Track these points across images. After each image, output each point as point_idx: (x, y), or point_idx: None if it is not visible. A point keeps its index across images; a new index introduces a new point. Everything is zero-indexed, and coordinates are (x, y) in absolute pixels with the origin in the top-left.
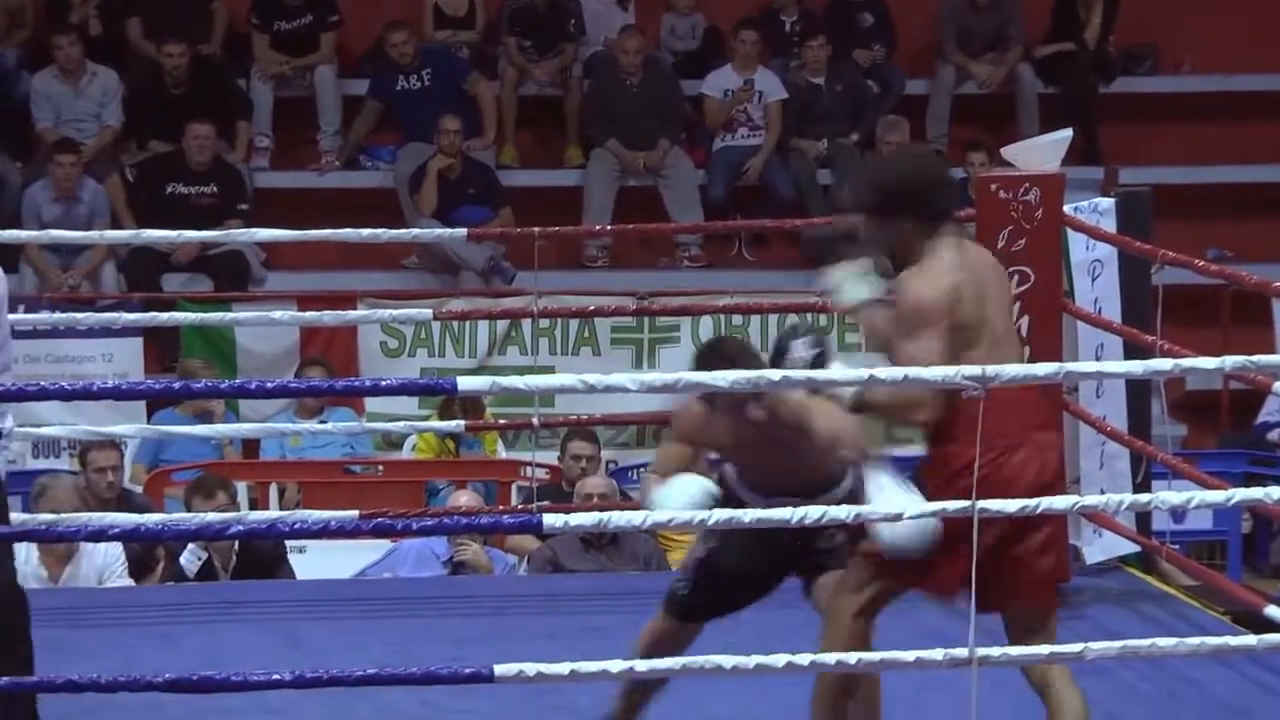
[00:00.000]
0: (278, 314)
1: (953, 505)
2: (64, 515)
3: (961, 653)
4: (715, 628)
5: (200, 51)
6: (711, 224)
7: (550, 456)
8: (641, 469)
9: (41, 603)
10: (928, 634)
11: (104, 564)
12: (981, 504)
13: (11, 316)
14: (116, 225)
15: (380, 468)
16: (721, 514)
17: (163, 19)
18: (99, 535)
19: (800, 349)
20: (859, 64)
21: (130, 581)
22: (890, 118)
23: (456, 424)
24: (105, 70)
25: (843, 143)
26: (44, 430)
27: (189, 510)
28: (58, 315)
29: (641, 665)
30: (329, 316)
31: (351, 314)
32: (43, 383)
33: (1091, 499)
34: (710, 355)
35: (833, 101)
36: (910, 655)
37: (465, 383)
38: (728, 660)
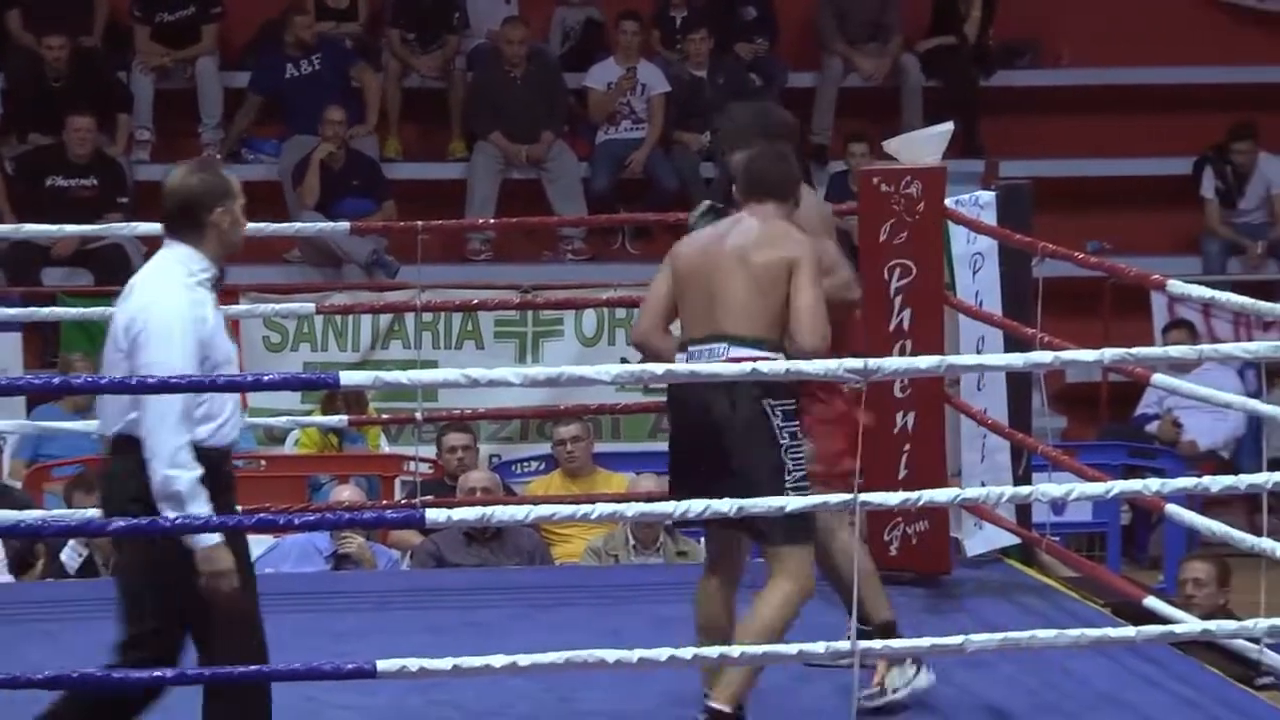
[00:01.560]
0: None
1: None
2: None
3: (843, 645)
4: None
5: (81, 44)
6: (595, 217)
7: (433, 451)
8: (524, 463)
9: None
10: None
11: None
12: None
13: None
14: None
15: (263, 462)
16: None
17: (43, 10)
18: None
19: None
20: (741, 57)
21: (10, 578)
22: None
23: (339, 419)
24: None
25: None
26: None
27: (69, 506)
28: None
29: (525, 660)
30: None
31: (234, 308)
32: None
33: (972, 491)
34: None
35: (715, 94)
36: (793, 648)
37: (348, 377)
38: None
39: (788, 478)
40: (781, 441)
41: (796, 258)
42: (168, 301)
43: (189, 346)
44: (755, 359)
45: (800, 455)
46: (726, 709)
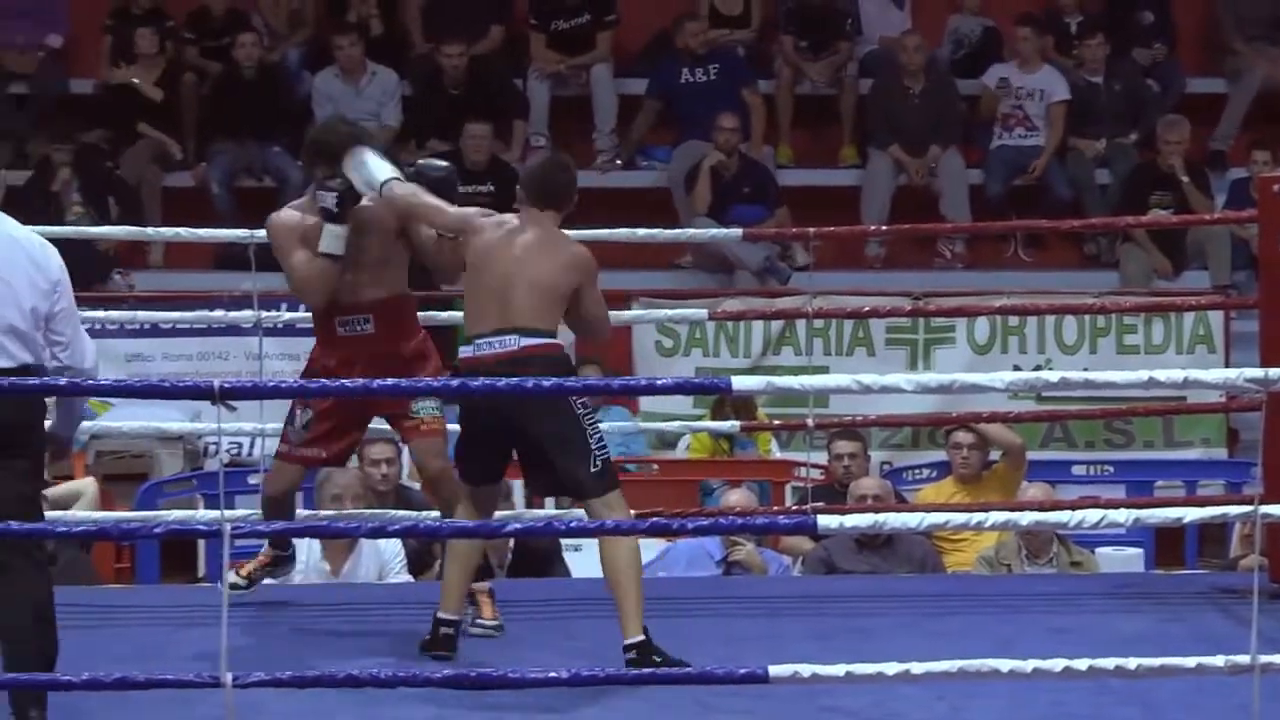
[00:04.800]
0: None
1: None
2: (345, 511)
3: (1244, 659)
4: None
5: (479, 51)
6: (987, 224)
7: (824, 457)
8: (915, 470)
9: (322, 598)
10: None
11: (385, 559)
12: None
13: (293, 315)
14: None
15: (655, 467)
16: None
17: (443, 19)
18: (379, 531)
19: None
20: (1138, 62)
21: (409, 577)
22: (1170, 117)
23: (731, 424)
24: (385, 70)
25: (1121, 142)
26: None
27: None
28: None
29: (918, 668)
30: None
31: (626, 313)
32: (323, 380)
33: None
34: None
35: (1111, 100)
36: (1190, 661)
37: (740, 383)
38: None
39: (590, 441)
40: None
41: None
42: None
43: None
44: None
45: (593, 419)
46: (640, 638)
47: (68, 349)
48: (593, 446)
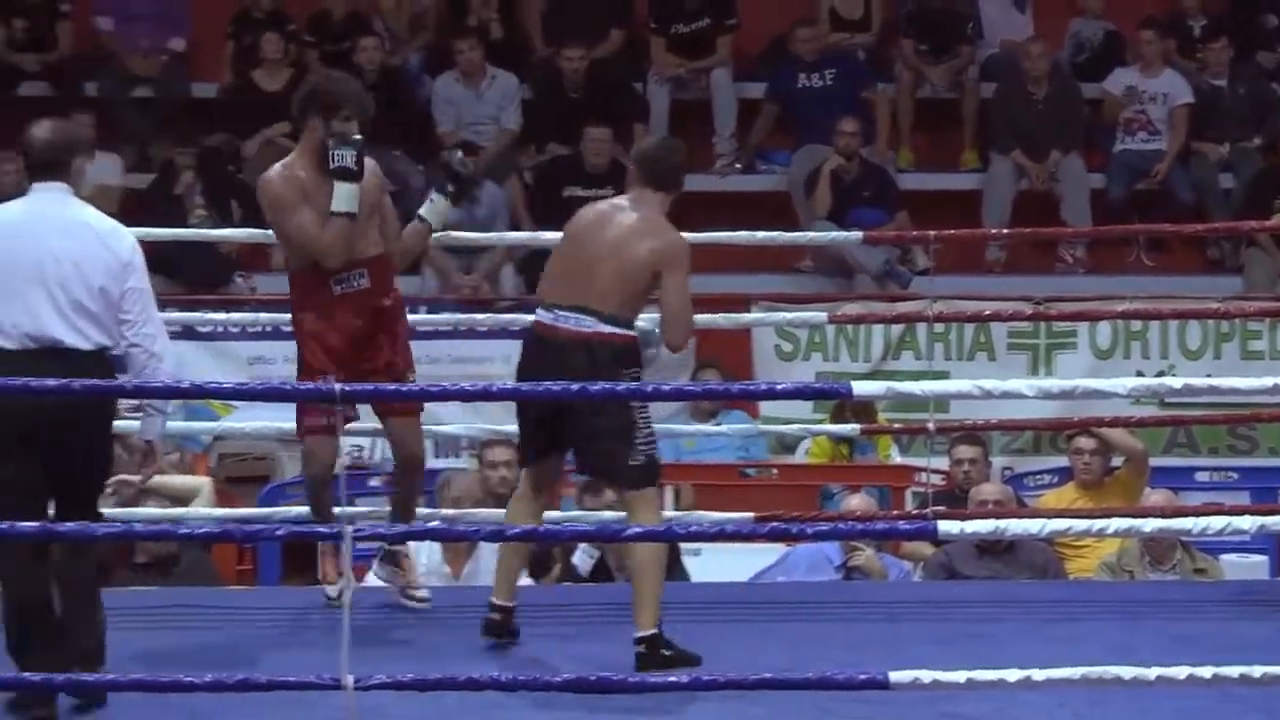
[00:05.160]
0: None
1: None
2: (465, 511)
3: None
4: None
5: (599, 55)
6: (1109, 228)
7: (945, 462)
8: (1036, 475)
9: (443, 600)
10: None
11: None
12: None
13: (414, 317)
14: (515, 227)
15: (775, 471)
16: None
17: (563, 23)
18: (498, 534)
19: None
20: (1263, 65)
21: (529, 580)
22: None
23: (851, 428)
24: (505, 74)
25: (1245, 146)
26: (443, 429)
27: (581, 508)
28: (458, 316)
29: (1040, 675)
30: (723, 319)
31: (746, 317)
32: (444, 384)
33: None
34: None
35: (1235, 104)
36: None
37: (860, 387)
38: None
39: (637, 435)
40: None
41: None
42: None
43: None
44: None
45: (647, 416)
46: (653, 631)
47: (134, 326)
48: (638, 439)
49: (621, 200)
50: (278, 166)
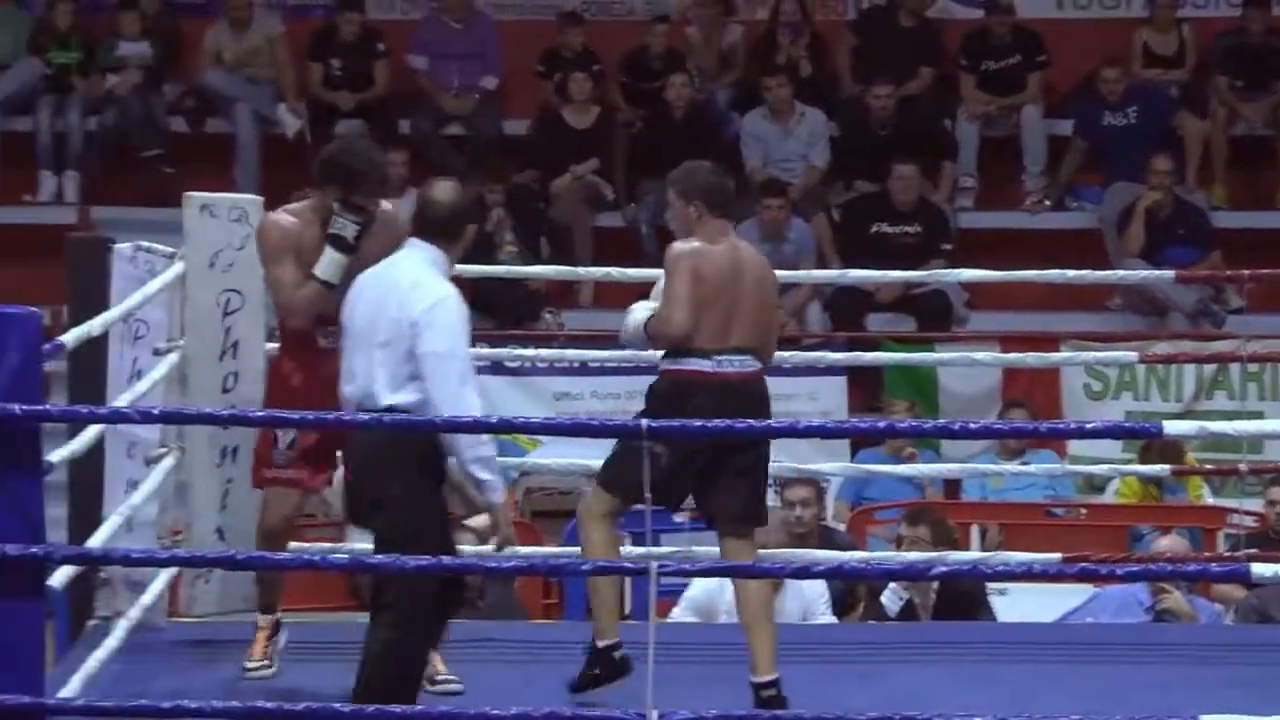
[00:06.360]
0: (980, 355)
1: None
2: (766, 551)
3: None
4: None
5: (908, 92)
6: None
7: (1258, 504)
8: None
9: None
10: None
11: (809, 601)
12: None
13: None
14: (822, 264)
15: (1083, 511)
16: None
17: (872, 60)
18: (803, 572)
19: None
20: None
21: (833, 619)
22: None
23: (1160, 468)
24: (813, 111)
25: None
26: None
27: (898, 543)
28: None
29: None
30: (1032, 358)
31: (1054, 356)
32: (750, 421)
33: None
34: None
35: None
36: None
37: (1171, 427)
38: None
39: (767, 475)
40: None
41: None
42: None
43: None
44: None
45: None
46: (773, 676)
47: (429, 388)
48: (765, 481)
49: (730, 235)
50: (285, 213)
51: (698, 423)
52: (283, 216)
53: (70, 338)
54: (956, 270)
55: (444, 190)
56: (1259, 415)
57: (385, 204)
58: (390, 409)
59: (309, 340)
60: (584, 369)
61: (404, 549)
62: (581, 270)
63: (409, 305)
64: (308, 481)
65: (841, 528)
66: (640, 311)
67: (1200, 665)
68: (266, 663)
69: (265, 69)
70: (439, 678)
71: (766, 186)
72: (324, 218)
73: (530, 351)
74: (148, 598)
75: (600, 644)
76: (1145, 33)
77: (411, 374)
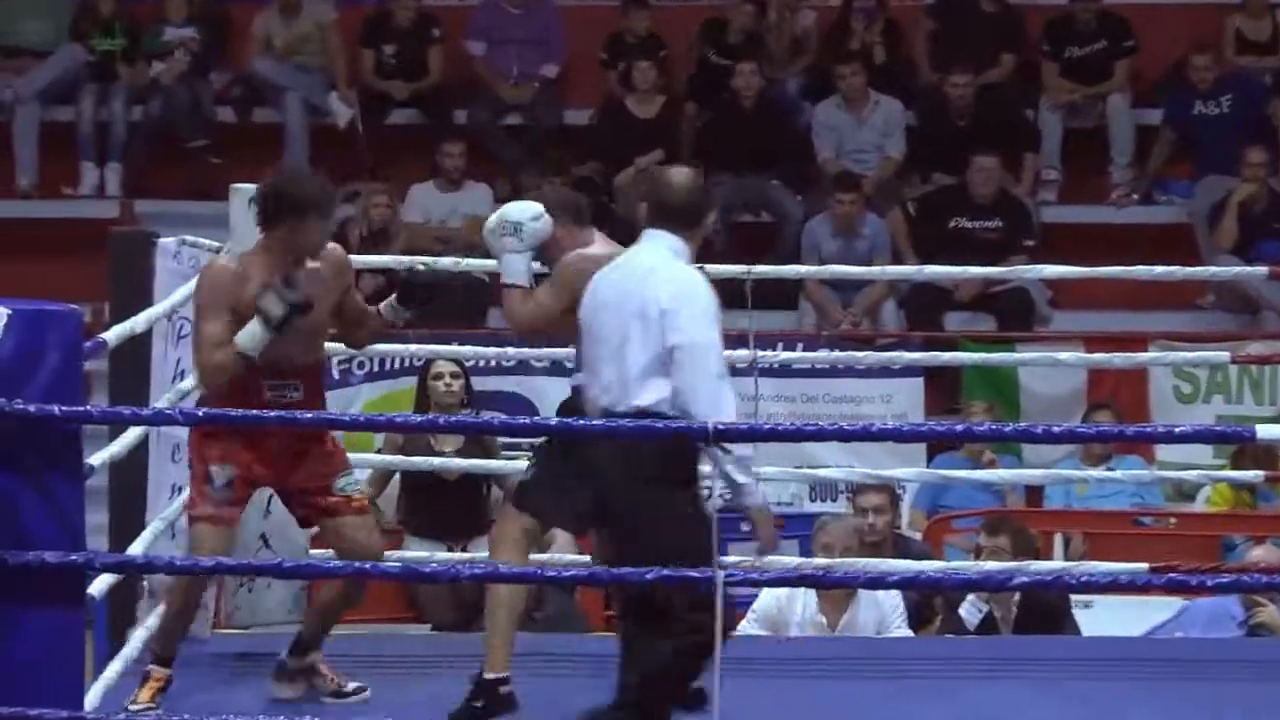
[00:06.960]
0: (1064, 355)
1: None
2: (838, 560)
3: None
4: None
5: (988, 80)
6: None
7: None
8: None
9: (819, 652)
10: None
11: (883, 613)
12: None
13: (789, 355)
14: (897, 260)
15: (1172, 519)
16: None
17: (951, 48)
18: (877, 582)
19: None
20: None
21: (909, 632)
22: None
23: (1255, 474)
24: (889, 100)
25: None
26: (820, 472)
27: (977, 553)
28: (836, 354)
29: None
30: (1118, 359)
31: (1142, 356)
32: (821, 423)
33: None
34: None
35: None
36: None
37: (1265, 431)
38: None
39: None
40: None
41: None
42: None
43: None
44: None
45: None
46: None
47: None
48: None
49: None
50: (227, 254)
51: (767, 425)
52: (222, 269)
53: (112, 336)
54: (1039, 267)
55: (681, 175)
56: None
57: (333, 246)
58: (640, 412)
59: (255, 387)
60: None
61: (670, 560)
62: None
63: (653, 294)
64: (234, 521)
65: (917, 536)
66: None
67: None
68: (153, 705)
69: (316, 56)
70: (350, 686)
71: (839, 180)
72: (273, 262)
73: None
74: None
75: (489, 676)
76: (1238, 18)
77: (660, 369)
